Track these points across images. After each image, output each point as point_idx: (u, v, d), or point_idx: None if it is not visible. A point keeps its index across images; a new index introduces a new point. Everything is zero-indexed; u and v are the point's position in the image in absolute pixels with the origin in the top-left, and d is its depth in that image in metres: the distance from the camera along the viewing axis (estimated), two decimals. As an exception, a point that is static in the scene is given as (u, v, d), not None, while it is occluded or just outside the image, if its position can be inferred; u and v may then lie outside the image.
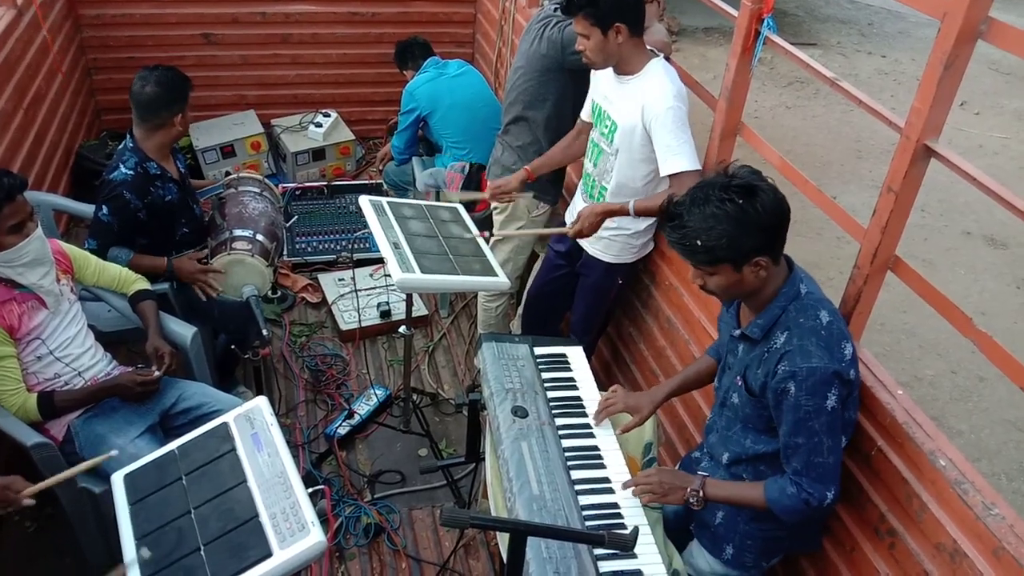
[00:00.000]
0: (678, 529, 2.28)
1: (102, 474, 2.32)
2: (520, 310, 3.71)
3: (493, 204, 3.37)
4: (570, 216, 3.02)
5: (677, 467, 2.38)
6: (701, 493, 1.99)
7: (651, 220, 2.82)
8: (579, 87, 3.16)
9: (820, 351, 1.78)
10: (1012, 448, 3.77)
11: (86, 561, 2.59)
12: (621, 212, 2.67)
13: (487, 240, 3.09)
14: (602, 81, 2.75)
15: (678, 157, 2.50)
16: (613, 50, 2.54)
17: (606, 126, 2.69)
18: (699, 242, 1.78)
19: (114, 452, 2.11)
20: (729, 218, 1.75)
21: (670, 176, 2.57)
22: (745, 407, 1.98)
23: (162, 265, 2.90)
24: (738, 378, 1.97)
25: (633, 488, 2.06)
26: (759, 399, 1.91)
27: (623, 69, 2.60)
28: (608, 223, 2.77)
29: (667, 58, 2.70)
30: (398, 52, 4.32)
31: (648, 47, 2.63)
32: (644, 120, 2.54)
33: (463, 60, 4.29)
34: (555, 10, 3.10)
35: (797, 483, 1.87)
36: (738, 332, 1.97)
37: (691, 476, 2.05)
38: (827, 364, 1.77)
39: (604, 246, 2.87)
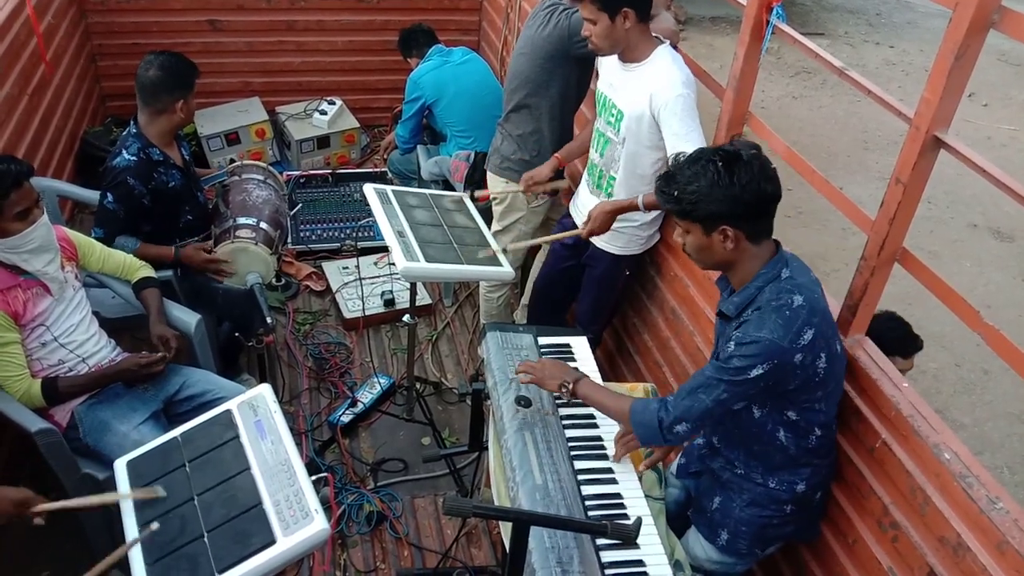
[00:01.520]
0: (680, 517, 2.29)
1: (106, 461, 2.33)
2: (523, 300, 3.70)
3: (493, 195, 3.34)
4: (575, 210, 3.01)
5: (679, 456, 2.39)
6: (571, 386, 2.11)
7: (658, 211, 2.80)
8: (584, 75, 3.14)
9: (774, 326, 1.81)
10: (1016, 441, 3.76)
11: (90, 547, 2.59)
12: (631, 208, 2.66)
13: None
14: (607, 69, 2.73)
15: (688, 144, 2.49)
16: (620, 36, 2.52)
17: (612, 115, 2.68)
18: (675, 192, 1.86)
19: (162, 493, 1.94)
20: (706, 178, 1.81)
21: None
22: None
23: (169, 255, 2.90)
24: (715, 358, 1.98)
25: (519, 366, 2.21)
26: None
27: (629, 56, 2.59)
28: (615, 215, 2.77)
29: (674, 46, 2.68)
30: (402, 39, 4.28)
31: (655, 35, 2.61)
32: (652, 107, 2.52)
33: (468, 48, 4.26)
34: None
35: (664, 402, 1.93)
36: (716, 311, 2.01)
37: (571, 371, 2.16)
38: (773, 339, 1.79)
39: (611, 237, 2.86)
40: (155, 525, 1.80)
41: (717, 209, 1.82)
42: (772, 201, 1.85)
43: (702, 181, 1.81)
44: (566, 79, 3.11)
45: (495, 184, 3.35)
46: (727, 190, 1.80)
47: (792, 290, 1.86)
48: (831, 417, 2.00)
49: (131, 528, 1.86)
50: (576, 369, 2.22)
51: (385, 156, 4.68)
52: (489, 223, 3.29)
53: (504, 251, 3.04)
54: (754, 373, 1.82)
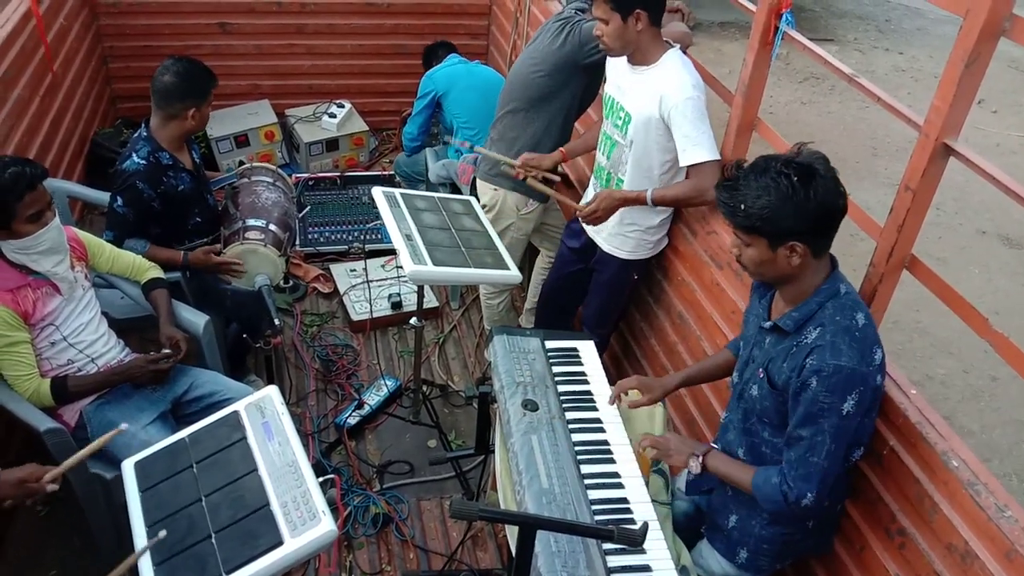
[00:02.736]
0: (688, 529, 2.27)
1: (113, 461, 2.34)
2: (527, 304, 3.71)
3: (483, 202, 3.32)
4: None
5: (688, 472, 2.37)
6: (701, 459, 2.06)
7: (666, 215, 2.81)
8: (593, 83, 3.14)
9: (851, 351, 1.75)
10: (1024, 449, 3.75)
11: (96, 546, 2.61)
12: (639, 200, 2.66)
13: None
14: (615, 72, 2.73)
15: (698, 148, 2.49)
16: (631, 37, 2.52)
17: (619, 118, 2.68)
18: (743, 206, 1.76)
19: (124, 426, 2.05)
20: (779, 192, 1.72)
21: (689, 167, 2.56)
22: (764, 400, 1.94)
23: (178, 258, 2.91)
24: (760, 370, 1.94)
25: (645, 442, 2.14)
26: (780, 393, 1.89)
27: (639, 59, 2.59)
28: (624, 219, 2.76)
29: (684, 51, 2.68)
30: (424, 54, 4.37)
31: (665, 39, 2.61)
32: (662, 110, 2.52)
33: (479, 55, 4.29)
34: (575, 11, 3.08)
35: (783, 473, 1.87)
36: (769, 324, 1.93)
37: (697, 443, 2.11)
38: (855, 366, 1.74)
39: (619, 242, 2.86)
40: (162, 533, 1.80)
41: (790, 225, 1.74)
42: (842, 215, 1.79)
43: (773, 195, 1.72)
44: (572, 91, 3.10)
45: (484, 191, 3.34)
46: (802, 206, 1.72)
47: (854, 307, 1.82)
48: (871, 433, 1.96)
49: (139, 529, 1.86)
50: (698, 442, 2.16)
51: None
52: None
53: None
54: (847, 408, 1.76)
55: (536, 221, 3.40)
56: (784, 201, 1.72)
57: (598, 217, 2.73)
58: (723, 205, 1.83)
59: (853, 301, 1.84)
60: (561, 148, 3.10)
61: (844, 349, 1.75)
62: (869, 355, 1.78)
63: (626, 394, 2.29)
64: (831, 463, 1.81)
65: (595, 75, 3.09)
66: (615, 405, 2.27)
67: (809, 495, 1.83)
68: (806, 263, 1.80)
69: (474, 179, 3.65)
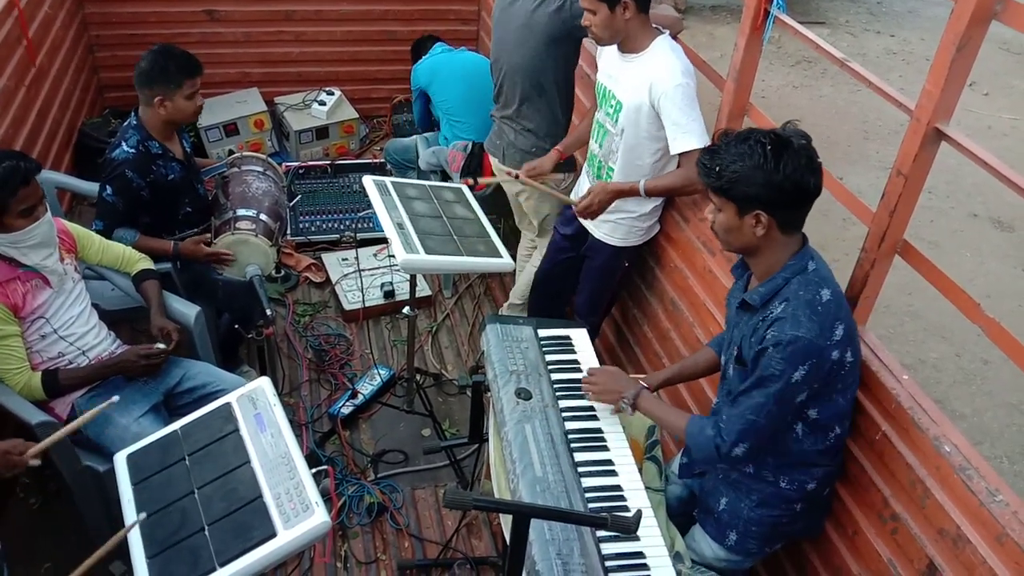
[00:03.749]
0: (682, 514, 2.28)
1: (106, 454, 2.34)
2: (512, 299, 3.70)
3: (522, 188, 3.27)
4: (577, 198, 3.00)
5: (682, 455, 2.38)
6: (632, 401, 2.12)
7: (657, 202, 2.80)
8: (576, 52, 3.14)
9: (810, 323, 1.79)
10: (1015, 431, 3.76)
11: (89, 539, 2.60)
12: (632, 192, 2.65)
13: (472, 187, 3.10)
14: (606, 60, 2.72)
15: (688, 136, 2.48)
16: (620, 26, 2.51)
17: (611, 106, 2.67)
18: (717, 168, 1.83)
19: (115, 398, 2.03)
20: (751, 159, 1.78)
21: (680, 155, 2.55)
22: (736, 379, 1.98)
23: (168, 248, 2.89)
24: (736, 348, 1.98)
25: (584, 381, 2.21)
26: (746, 367, 1.92)
27: (629, 47, 2.58)
28: (615, 206, 2.76)
29: (674, 36, 2.66)
30: (413, 50, 4.37)
31: (655, 25, 2.60)
32: (652, 98, 2.51)
33: (469, 40, 4.27)
34: None
35: (718, 427, 1.92)
36: (737, 301, 1.98)
37: (631, 383, 2.17)
38: (812, 337, 1.79)
39: (610, 229, 2.85)
40: (142, 515, 1.83)
41: (755, 192, 1.79)
42: (813, 194, 1.83)
43: (747, 161, 1.79)
44: (568, 59, 3.08)
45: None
46: (770, 175, 1.77)
47: (820, 283, 1.85)
48: (849, 412, 1.99)
49: (131, 521, 1.85)
50: (630, 379, 2.21)
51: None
52: (488, 214, 3.27)
53: (474, 182, 3.13)
54: (796, 376, 1.80)
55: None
56: (754, 169, 1.78)
57: (593, 211, 2.73)
58: (701, 166, 1.88)
59: (821, 277, 1.87)
60: (557, 147, 3.08)
61: (804, 321, 1.79)
62: (829, 330, 1.81)
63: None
64: (768, 422, 1.88)
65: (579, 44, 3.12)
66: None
67: (739, 449, 1.91)
68: (772, 236, 1.85)
69: (470, 164, 3.63)
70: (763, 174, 1.77)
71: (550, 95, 3.12)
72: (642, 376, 2.30)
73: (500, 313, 3.76)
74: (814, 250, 1.93)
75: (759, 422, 1.87)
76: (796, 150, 1.78)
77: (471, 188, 3.28)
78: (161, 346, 2.50)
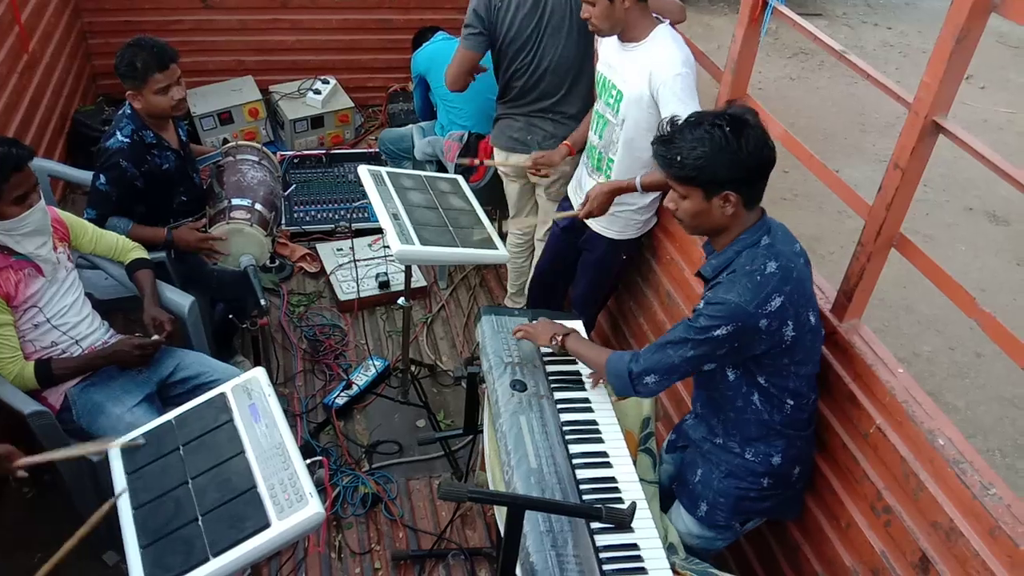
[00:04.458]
0: (667, 492, 2.31)
1: (100, 443, 2.33)
2: (510, 289, 3.69)
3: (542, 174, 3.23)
4: (573, 192, 2.99)
5: (671, 432, 2.40)
6: (560, 339, 2.22)
7: (655, 195, 2.79)
8: None
9: (744, 291, 1.84)
10: (1008, 425, 3.78)
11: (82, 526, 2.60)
12: (628, 188, 2.64)
13: (470, 167, 3.08)
14: (606, 50, 2.71)
15: None
16: (620, 16, 2.49)
17: (611, 96, 2.66)
18: (679, 158, 1.84)
19: (140, 440, 2.01)
20: (713, 143, 1.80)
21: None
22: None
23: (161, 236, 2.87)
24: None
25: (516, 329, 2.29)
26: None
27: (629, 36, 2.56)
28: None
29: (671, 25, 2.65)
30: (414, 40, 4.33)
31: (655, 14, 2.58)
32: (651, 87, 2.50)
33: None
34: None
35: (635, 355, 2.01)
36: (695, 273, 2.05)
37: (562, 327, 2.26)
38: (741, 303, 1.83)
39: (608, 222, 2.84)
40: (124, 492, 1.85)
41: (723, 174, 1.82)
42: (772, 166, 1.87)
43: (707, 146, 1.80)
44: (591, 46, 3.07)
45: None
46: (734, 155, 1.80)
47: (768, 257, 1.88)
48: (804, 389, 2.01)
49: (125, 511, 1.85)
50: (561, 325, 2.29)
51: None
52: (483, 204, 3.27)
53: (480, 162, 3.09)
54: (718, 333, 1.86)
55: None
56: (718, 151, 1.80)
57: (595, 215, 2.72)
58: (659, 158, 1.91)
59: (772, 252, 1.90)
60: (566, 141, 3.06)
61: (737, 287, 1.85)
62: (762, 300, 1.85)
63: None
64: (681, 364, 1.95)
65: None
66: (603, 385, 2.27)
67: (652, 376, 1.99)
68: (738, 213, 1.89)
69: (465, 154, 3.61)
70: (727, 155, 1.80)
71: (589, 78, 3.09)
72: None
73: (507, 303, 3.75)
74: (779, 226, 1.98)
75: (674, 360, 1.94)
76: (752, 126, 1.82)
77: (470, 169, 3.27)
78: (155, 338, 2.49)
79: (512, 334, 2.33)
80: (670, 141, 1.87)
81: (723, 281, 1.89)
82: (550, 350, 2.32)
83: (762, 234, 1.91)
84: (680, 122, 1.90)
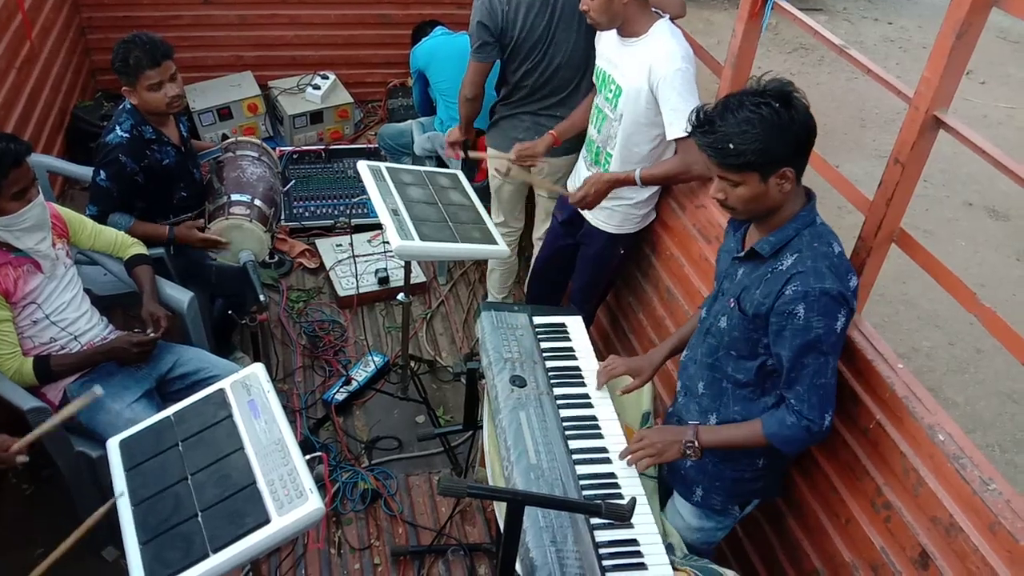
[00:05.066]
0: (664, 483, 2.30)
1: (99, 439, 2.33)
2: (491, 279, 3.67)
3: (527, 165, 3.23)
4: (572, 185, 2.99)
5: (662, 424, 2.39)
6: (696, 443, 2.00)
7: (654, 190, 2.79)
8: None
9: (832, 275, 1.77)
10: (1007, 420, 3.78)
11: (82, 523, 2.59)
12: (627, 181, 2.64)
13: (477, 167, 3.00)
14: (606, 45, 2.70)
15: (686, 121, 2.46)
16: (618, 10, 2.48)
17: (610, 91, 2.65)
18: (731, 145, 1.74)
19: (98, 390, 2.06)
20: (764, 122, 1.71)
21: (677, 141, 2.53)
22: (733, 331, 1.95)
23: (163, 233, 2.87)
24: (731, 300, 1.95)
25: (630, 457, 2.05)
26: (751, 321, 1.89)
27: (628, 31, 2.55)
28: (612, 193, 2.74)
29: (673, 20, 2.64)
30: (413, 34, 4.31)
31: (654, 9, 2.57)
32: (651, 82, 2.49)
33: (466, 24, 4.21)
34: None
35: (797, 411, 1.86)
36: (743, 252, 1.93)
37: (682, 428, 2.06)
38: (841, 289, 1.77)
39: (606, 216, 2.84)
40: (124, 493, 1.85)
41: (781, 152, 1.74)
42: (816, 134, 1.80)
43: (759, 126, 1.71)
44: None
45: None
46: (788, 129, 1.72)
47: (828, 235, 1.84)
48: None
49: (124, 507, 1.85)
50: (677, 426, 2.11)
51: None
52: (484, 202, 3.26)
53: (466, 155, 3.02)
54: (838, 326, 1.79)
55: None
56: (772, 128, 1.72)
57: (589, 202, 2.71)
58: (709, 148, 1.79)
59: (828, 231, 1.86)
60: (551, 131, 3.05)
61: (826, 273, 1.77)
62: (846, 280, 1.81)
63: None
64: (834, 377, 1.85)
65: None
66: (603, 387, 2.27)
67: (828, 416, 1.86)
68: (792, 188, 1.81)
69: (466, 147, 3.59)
70: (782, 131, 1.72)
71: (592, 70, 3.06)
72: (647, 354, 2.30)
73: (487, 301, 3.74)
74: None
75: (828, 383, 1.84)
76: (797, 95, 1.75)
77: (473, 165, 3.25)
78: (150, 333, 2.48)
79: (625, 461, 2.07)
80: (711, 131, 1.77)
81: (800, 270, 1.78)
82: (552, 349, 2.31)
83: (815, 214, 1.86)
84: (712, 109, 1.80)
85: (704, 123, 1.79)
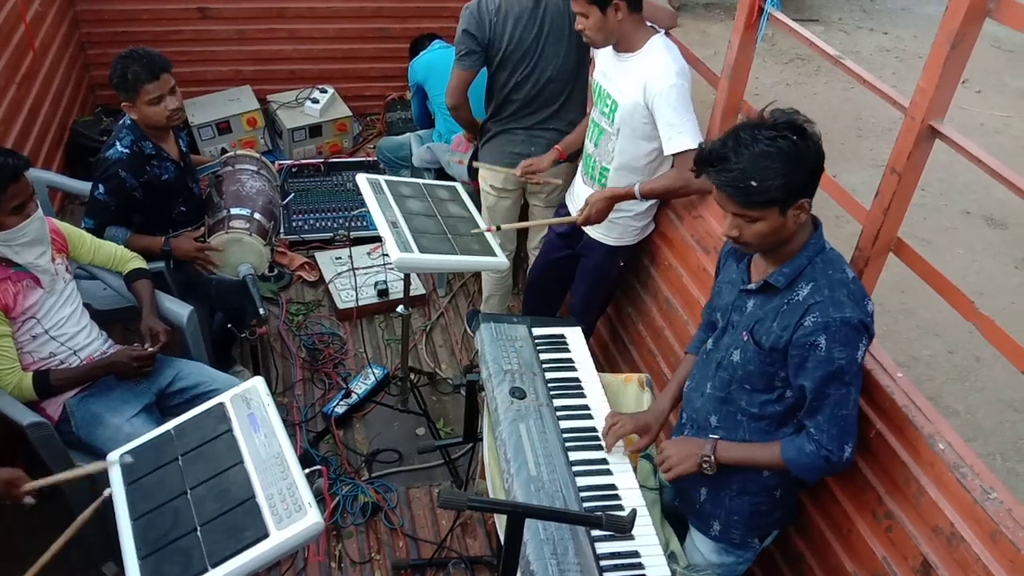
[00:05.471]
0: (673, 511, 2.28)
1: (98, 453, 2.32)
2: (489, 306, 3.66)
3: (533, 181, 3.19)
4: (570, 199, 2.99)
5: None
6: (712, 457, 1.98)
7: (653, 202, 2.79)
8: None
9: (851, 303, 1.76)
10: (1007, 428, 3.78)
11: (82, 538, 2.58)
12: (627, 196, 2.64)
13: (496, 232, 2.96)
14: (602, 60, 2.71)
15: (682, 136, 2.47)
16: (613, 28, 2.50)
17: (607, 105, 2.66)
18: (753, 183, 1.70)
19: (107, 492, 2.00)
20: (783, 155, 1.69)
21: (674, 155, 2.54)
22: (748, 364, 1.91)
23: (158, 245, 2.87)
24: (744, 333, 1.91)
25: (661, 469, 2.06)
26: (767, 354, 1.86)
27: (623, 47, 2.57)
28: (610, 206, 2.75)
29: (667, 33, 2.66)
30: (411, 48, 4.34)
31: (649, 24, 2.59)
32: (646, 98, 2.50)
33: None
34: None
35: (816, 440, 1.84)
36: (756, 284, 1.90)
37: (701, 440, 2.03)
38: (861, 316, 1.75)
39: (606, 229, 2.84)
40: (107, 492, 1.87)
41: (802, 183, 1.72)
42: (824, 159, 1.79)
43: (778, 161, 1.68)
44: (588, 51, 3.06)
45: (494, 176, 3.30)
46: (806, 160, 1.71)
47: (840, 261, 1.84)
48: None
49: (124, 522, 1.85)
50: (696, 438, 2.07)
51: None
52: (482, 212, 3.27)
53: (498, 228, 2.95)
54: (860, 354, 1.78)
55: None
56: (790, 161, 1.69)
57: (593, 221, 2.71)
58: (728, 187, 1.74)
59: (838, 256, 1.86)
60: (557, 146, 3.06)
61: (845, 301, 1.75)
62: (864, 305, 1.79)
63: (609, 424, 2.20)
64: (856, 408, 1.84)
65: None
66: (601, 391, 2.26)
67: (848, 447, 1.84)
68: (806, 218, 1.80)
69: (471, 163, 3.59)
70: (801, 163, 1.70)
71: (585, 83, 3.09)
72: (652, 408, 2.24)
73: (480, 309, 3.73)
74: None
75: (850, 414, 1.82)
76: (809, 124, 1.73)
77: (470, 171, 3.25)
78: (148, 347, 2.48)
79: (660, 471, 2.07)
80: (727, 168, 1.72)
81: (817, 300, 1.76)
82: (552, 360, 2.30)
83: (823, 240, 1.84)
84: (721, 145, 1.74)
85: (716, 160, 1.75)
